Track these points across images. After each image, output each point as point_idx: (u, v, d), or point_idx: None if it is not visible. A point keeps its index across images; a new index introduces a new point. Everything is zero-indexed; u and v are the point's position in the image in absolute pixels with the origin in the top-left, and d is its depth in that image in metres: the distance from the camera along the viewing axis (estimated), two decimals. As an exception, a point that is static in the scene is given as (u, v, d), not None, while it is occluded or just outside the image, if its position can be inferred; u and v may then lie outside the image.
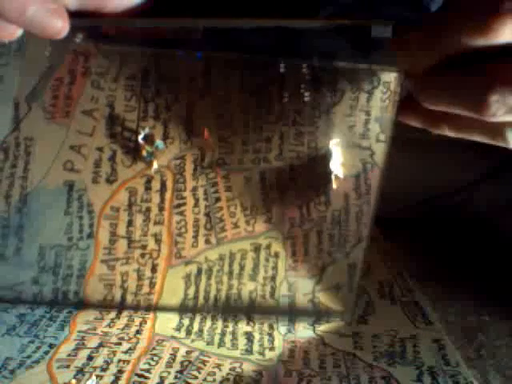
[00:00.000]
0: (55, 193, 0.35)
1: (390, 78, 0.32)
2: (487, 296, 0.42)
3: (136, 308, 0.37)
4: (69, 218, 0.35)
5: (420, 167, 0.51)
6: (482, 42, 0.22)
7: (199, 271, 0.36)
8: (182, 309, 0.37)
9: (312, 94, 0.33)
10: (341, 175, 0.35)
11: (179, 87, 0.34)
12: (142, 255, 0.36)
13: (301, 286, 0.37)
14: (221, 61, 0.33)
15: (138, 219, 0.35)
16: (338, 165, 0.34)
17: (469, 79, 0.24)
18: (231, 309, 0.37)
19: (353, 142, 0.34)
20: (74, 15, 0.29)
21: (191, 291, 0.37)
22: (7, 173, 0.35)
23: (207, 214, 0.36)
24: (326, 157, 0.34)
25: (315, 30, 0.29)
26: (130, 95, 0.34)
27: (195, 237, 0.36)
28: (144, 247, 0.36)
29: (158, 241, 0.36)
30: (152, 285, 0.37)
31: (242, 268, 0.36)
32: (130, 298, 0.37)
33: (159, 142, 0.34)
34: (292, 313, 0.37)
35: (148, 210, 0.35)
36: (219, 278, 0.37)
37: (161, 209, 0.35)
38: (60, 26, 0.28)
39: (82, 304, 0.37)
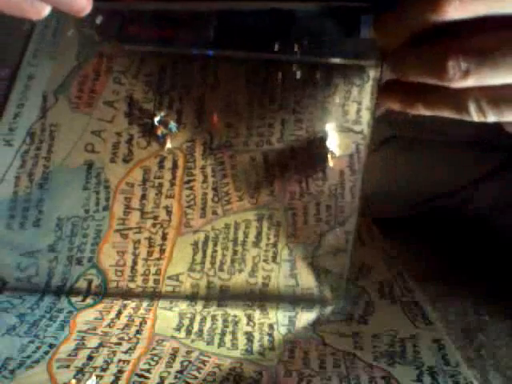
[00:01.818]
0: (75, 171, 0.38)
1: (378, 74, 0.35)
2: (487, 296, 0.42)
3: (146, 273, 0.39)
4: (86, 193, 0.38)
5: (420, 167, 0.51)
6: (436, 18, 0.26)
7: (206, 239, 0.39)
8: (190, 271, 0.39)
9: (310, 86, 0.37)
10: (336, 155, 0.38)
11: (192, 81, 0.37)
12: (154, 225, 0.38)
13: (301, 251, 0.39)
14: (229, 58, 0.37)
15: (151, 193, 0.38)
16: (333, 146, 0.38)
17: (432, 50, 0.27)
18: (234, 271, 0.39)
19: (346, 127, 0.38)
20: None
21: (198, 257, 0.39)
22: (32, 154, 0.38)
23: (215, 189, 0.38)
24: (322, 139, 0.38)
25: (306, 13, 0.34)
26: (147, 89, 0.38)
27: (203, 209, 0.39)
28: (155, 218, 0.38)
29: (168, 212, 0.38)
30: (162, 251, 0.39)
31: (246, 236, 0.39)
32: (140, 263, 0.39)
33: (173, 125, 0.37)
34: (292, 277, 0.39)
35: (160, 185, 0.38)
36: (225, 244, 0.39)
37: (172, 184, 0.38)
38: (85, 4, 0.30)
39: (95, 267, 0.38)
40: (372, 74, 0.36)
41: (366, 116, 0.37)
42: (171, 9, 0.35)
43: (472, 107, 0.27)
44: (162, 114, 0.38)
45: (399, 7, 0.28)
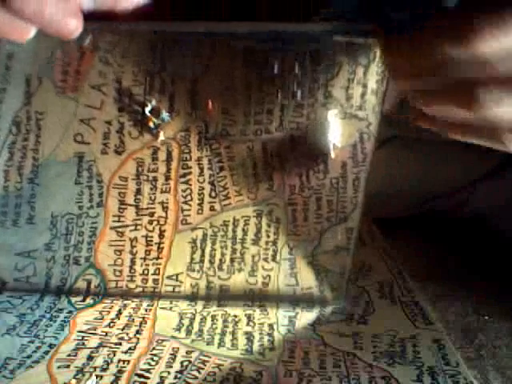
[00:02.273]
0: (66, 164, 0.37)
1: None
2: (487, 296, 0.42)
3: (145, 273, 0.38)
4: (79, 188, 0.37)
5: (420, 167, 0.51)
6: (460, 53, 0.23)
7: (204, 236, 0.38)
8: (189, 271, 0.38)
9: (311, 67, 0.34)
10: (338, 145, 0.36)
11: (184, 63, 0.35)
12: (150, 222, 0.37)
13: (301, 249, 0.38)
14: (225, 39, 0.34)
15: (146, 188, 0.37)
16: (335, 135, 0.36)
17: (458, 79, 0.24)
18: (234, 271, 0.39)
19: (350, 113, 0.35)
20: (85, 16, 0.30)
21: (197, 255, 0.38)
22: (19, 145, 0.36)
23: (212, 183, 0.37)
24: (324, 127, 0.36)
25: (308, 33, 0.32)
26: (137, 70, 0.35)
27: (200, 204, 0.37)
28: (152, 214, 0.37)
29: (165, 208, 0.37)
30: (160, 249, 0.38)
31: (245, 233, 0.38)
32: (139, 263, 0.38)
33: (165, 115, 0.36)
34: (292, 276, 0.39)
35: (155, 179, 0.37)
36: (223, 242, 0.38)
37: (167, 178, 0.37)
38: (74, 26, 0.29)
39: (93, 267, 0.38)
40: (379, 52, 0.33)
41: (371, 100, 0.35)
42: (165, 30, 0.34)
43: (507, 139, 0.25)
44: (153, 102, 0.36)
45: (416, 32, 0.25)
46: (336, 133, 0.36)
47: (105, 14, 0.31)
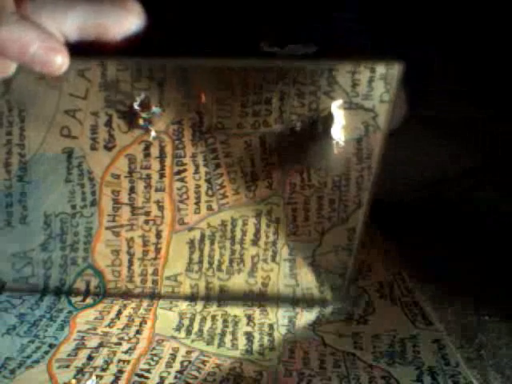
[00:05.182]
0: (54, 160, 0.35)
1: None
2: (487, 296, 0.42)
3: (144, 273, 0.38)
4: (70, 186, 0.36)
5: (421, 151, 0.51)
6: None
7: (202, 237, 0.37)
8: (188, 271, 0.38)
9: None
10: (342, 139, 0.34)
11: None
12: (146, 222, 0.37)
13: (301, 250, 0.37)
14: None
15: (140, 186, 0.36)
16: (339, 128, 0.33)
17: None
18: (233, 272, 0.38)
19: (356, 102, 0.33)
20: (74, 47, 0.29)
21: (195, 256, 0.38)
22: (4, 140, 0.34)
23: (208, 181, 0.36)
24: (327, 120, 0.33)
25: None
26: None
27: (197, 203, 0.36)
28: (147, 214, 0.36)
29: (160, 207, 0.36)
30: (158, 250, 0.37)
31: (243, 233, 0.37)
32: (137, 263, 0.38)
33: (156, 109, 0.33)
34: (292, 277, 0.38)
35: (148, 176, 0.35)
36: (222, 243, 0.37)
37: (161, 175, 0.35)
38: (60, 63, 0.29)
39: (91, 268, 0.37)
40: None
41: (379, 88, 0.32)
42: (154, 64, 0.32)
43: None
44: (142, 94, 0.33)
45: None
46: (339, 126, 0.33)
47: (91, 46, 0.31)
